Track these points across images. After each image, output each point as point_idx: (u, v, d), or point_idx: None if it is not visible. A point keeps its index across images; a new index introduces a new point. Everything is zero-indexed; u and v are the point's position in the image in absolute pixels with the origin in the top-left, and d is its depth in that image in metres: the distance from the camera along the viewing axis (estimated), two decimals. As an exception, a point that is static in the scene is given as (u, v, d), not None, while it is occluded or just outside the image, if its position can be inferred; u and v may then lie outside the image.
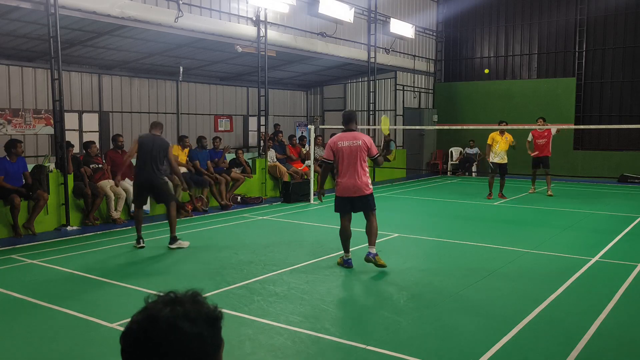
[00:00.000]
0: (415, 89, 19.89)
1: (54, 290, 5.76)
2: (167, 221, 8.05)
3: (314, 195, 7.43)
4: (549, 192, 13.52)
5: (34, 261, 6.94)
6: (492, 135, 12.80)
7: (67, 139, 9.61)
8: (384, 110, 19.07)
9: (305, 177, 13.02)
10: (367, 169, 6.65)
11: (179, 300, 1.32)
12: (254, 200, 12.25)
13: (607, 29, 17.76)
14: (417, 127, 18.46)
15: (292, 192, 12.41)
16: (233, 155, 13.11)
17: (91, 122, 14.09)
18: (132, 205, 9.00)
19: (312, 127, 13.11)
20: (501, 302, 5.42)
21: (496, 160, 12.66)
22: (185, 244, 7.77)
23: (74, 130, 13.52)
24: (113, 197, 9.62)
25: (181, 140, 11.73)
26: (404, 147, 19.30)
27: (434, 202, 12.85)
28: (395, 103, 18.91)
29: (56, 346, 4.39)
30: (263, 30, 12.93)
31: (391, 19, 17.46)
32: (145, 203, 8.19)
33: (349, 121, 6.72)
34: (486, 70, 18.81)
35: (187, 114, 16.35)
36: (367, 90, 17.46)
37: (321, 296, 5.56)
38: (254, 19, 12.94)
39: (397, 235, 8.66)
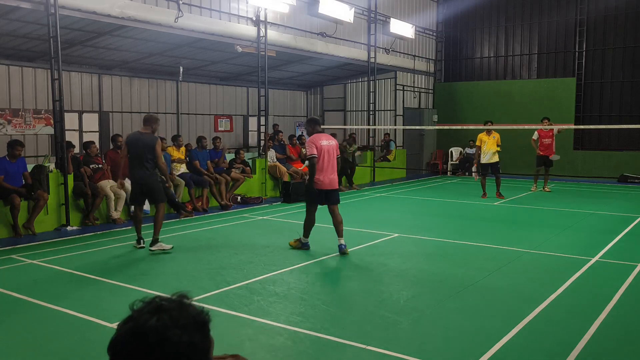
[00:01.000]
0: (415, 89, 19.89)
1: (54, 290, 5.76)
2: (164, 221, 8.04)
3: (309, 189, 7.79)
4: (546, 189, 13.67)
5: (34, 261, 6.94)
6: (479, 136, 12.83)
7: (67, 139, 9.61)
8: (384, 110, 19.08)
9: (306, 177, 13.02)
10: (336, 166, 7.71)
11: (164, 307, 1.28)
12: (254, 200, 12.25)
13: (607, 29, 17.75)
14: (417, 127, 18.47)
15: (292, 192, 12.41)
16: (232, 155, 13.10)
17: (91, 122, 14.10)
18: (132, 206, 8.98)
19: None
20: (501, 302, 5.42)
21: (484, 160, 12.65)
22: (167, 246, 7.54)
23: (74, 130, 13.53)
24: (113, 197, 9.62)
25: (175, 140, 11.71)
26: (404, 147, 19.31)
27: (434, 202, 12.85)
28: (395, 103, 18.91)
29: (56, 346, 4.39)
30: (263, 30, 12.93)
31: (391, 19, 17.46)
32: (143, 203, 8.11)
33: (315, 124, 7.82)
34: None
35: (187, 114, 16.35)
36: (367, 90, 17.46)
37: (321, 296, 5.56)
38: (254, 19, 12.94)
39: (397, 235, 8.66)
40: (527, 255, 7.33)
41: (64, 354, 4.27)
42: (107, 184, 9.72)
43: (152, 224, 7.42)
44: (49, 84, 10.04)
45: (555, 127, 13.83)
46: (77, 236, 8.62)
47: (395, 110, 18.93)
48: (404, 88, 19.24)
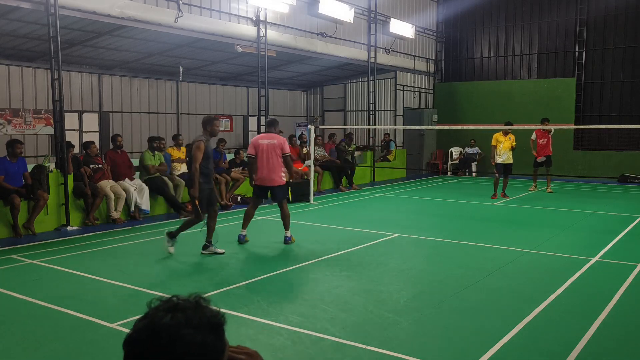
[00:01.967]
0: (415, 89, 19.89)
1: (54, 290, 5.76)
2: (164, 221, 8.03)
3: (251, 185, 8.05)
4: (549, 189, 13.70)
5: (34, 261, 6.94)
6: (495, 136, 12.83)
7: (67, 139, 9.61)
8: (384, 110, 19.08)
9: (305, 177, 13.02)
10: (281, 164, 7.86)
11: (180, 306, 1.29)
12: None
13: (607, 29, 17.75)
14: (417, 127, 18.47)
15: (292, 192, 12.39)
16: (232, 155, 13.10)
17: (91, 122, 14.10)
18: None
19: (312, 127, 13.11)
20: (501, 302, 5.42)
21: (500, 160, 12.68)
22: (220, 250, 7.39)
23: (74, 130, 13.53)
24: (113, 197, 9.62)
25: (175, 140, 11.68)
26: (404, 147, 19.31)
27: (434, 202, 12.85)
28: (395, 103, 18.91)
29: (56, 346, 4.39)
30: (263, 30, 12.93)
31: (391, 19, 17.46)
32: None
33: (269, 125, 8.09)
34: None
35: (187, 114, 16.35)
36: (367, 90, 17.46)
37: (321, 296, 5.56)
38: (254, 19, 12.94)
39: (397, 235, 8.66)
40: (527, 255, 7.33)
41: (64, 354, 4.27)
42: (107, 184, 9.72)
43: (152, 224, 7.42)
44: (49, 84, 10.04)
45: (551, 128, 13.84)
46: (77, 236, 8.62)
47: (395, 110, 18.93)
48: (404, 88, 19.24)
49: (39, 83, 12.88)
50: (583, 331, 4.54)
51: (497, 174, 12.90)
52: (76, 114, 13.72)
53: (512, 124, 13.08)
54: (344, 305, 5.30)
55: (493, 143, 12.82)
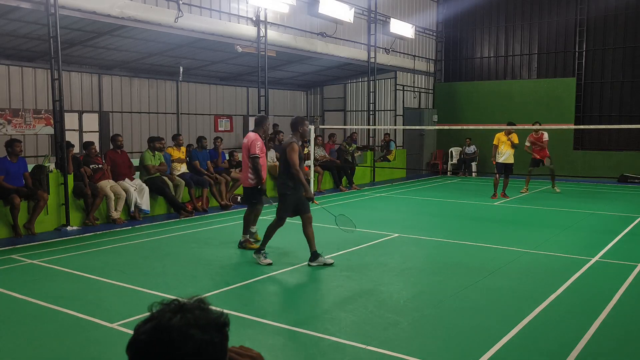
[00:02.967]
0: (415, 89, 19.89)
1: (54, 291, 5.76)
2: (164, 221, 8.03)
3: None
4: (556, 189, 13.62)
5: (34, 261, 6.94)
6: (497, 135, 12.86)
7: (67, 139, 9.60)
8: (384, 110, 19.08)
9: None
10: (249, 164, 7.58)
11: (186, 307, 1.31)
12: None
13: (607, 29, 17.75)
14: (417, 127, 18.47)
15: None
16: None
17: (91, 122, 14.10)
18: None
19: (312, 127, 13.10)
20: (501, 302, 5.42)
21: (501, 160, 12.68)
22: (329, 260, 6.78)
23: (74, 130, 13.52)
24: (113, 197, 9.62)
25: (175, 140, 11.68)
26: (404, 147, 19.31)
27: (434, 202, 12.84)
28: (395, 103, 18.91)
29: (56, 346, 4.39)
30: (263, 30, 12.93)
31: (391, 19, 17.46)
32: (292, 215, 7.17)
33: (255, 124, 8.03)
34: None
35: (187, 114, 16.35)
36: (367, 90, 17.46)
37: (321, 296, 5.56)
38: (254, 19, 12.94)
39: (397, 235, 8.66)
40: (527, 255, 7.33)
41: (65, 354, 4.27)
42: (107, 184, 9.72)
43: (152, 223, 7.42)
44: (49, 84, 10.04)
45: (545, 135, 13.75)
46: (77, 236, 8.62)
47: (395, 110, 18.93)
48: (404, 88, 19.25)
49: (39, 83, 12.88)
50: (583, 331, 4.54)
51: (497, 174, 12.90)
52: (76, 114, 13.72)
53: (514, 124, 13.06)
54: (344, 305, 5.30)
55: (495, 142, 12.84)
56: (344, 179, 14.96)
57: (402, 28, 17.77)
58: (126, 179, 10.14)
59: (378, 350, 4.18)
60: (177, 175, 11.07)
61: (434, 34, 20.56)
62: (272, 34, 13.28)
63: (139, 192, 9.99)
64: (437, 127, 19.58)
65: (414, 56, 19.41)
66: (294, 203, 6.82)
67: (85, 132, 13.87)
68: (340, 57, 15.79)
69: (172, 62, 14.36)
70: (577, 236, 8.82)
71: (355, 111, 19.77)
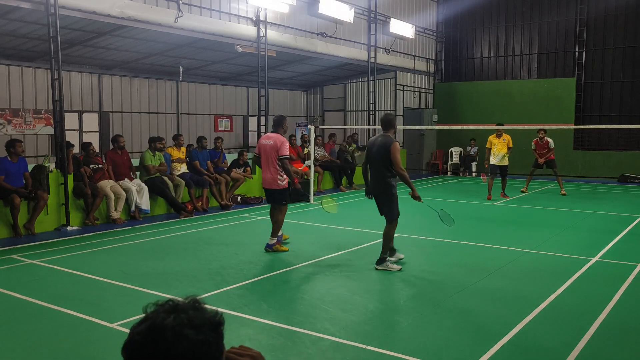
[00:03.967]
0: (415, 89, 19.89)
1: (54, 290, 5.76)
2: (164, 221, 8.03)
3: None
4: (563, 192, 13.56)
5: (34, 261, 6.94)
6: (489, 138, 12.87)
7: (67, 139, 9.61)
8: (384, 110, 19.07)
9: (306, 177, 13.02)
10: (277, 167, 7.47)
11: (180, 308, 1.31)
12: (254, 200, 12.25)
13: (607, 29, 17.76)
14: (417, 127, 18.47)
15: (292, 192, 12.38)
16: (235, 156, 13.10)
17: (91, 122, 14.09)
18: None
19: (312, 127, 13.11)
20: (501, 302, 5.42)
21: (495, 162, 12.67)
22: (396, 267, 6.59)
23: (74, 130, 13.52)
24: (113, 197, 9.62)
25: (175, 140, 11.68)
26: (404, 147, 19.29)
27: (434, 202, 12.81)
28: (395, 103, 18.91)
29: (56, 346, 4.39)
30: (263, 30, 12.93)
31: (391, 19, 17.46)
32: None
33: (274, 124, 7.73)
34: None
35: (187, 114, 16.35)
36: (367, 90, 17.46)
37: (321, 296, 5.56)
38: (254, 19, 12.94)
39: (397, 235, 8.63)
40: (527, 255, 7.33)
41: (65, 354, 4.27)
42: (107, 184, 9.72)
43: (152, 223, 7.42)
44: (49, 84, 10.04)
45: (551, 141, 13.70)
46: (77, 236, 8.62)
47: (395, 110, 18.92)
48: (404, 88, 19.24)
49: (39, 83, 12.87)
50: (583, 331, 4.54)
51: (490, 175, 12.87)
52: (76, 114, 13.71)
53: (502, 125, 13.03)
54: (344, 305, 5.30)
55: (487, 145, 12.84)
56: (344, 179, 14.96)
57: (402, 28, 17.77)
58: (125, 179, 10.14)
59: (378, 350, 4.18)
60: (177, 175, 11.07)
61: (434, 34, 20.56)
62: (272, 34, 13.28)
63: (138, 192, 10.00)
64: (437, 127, 19.59)
65: (414, 56, 19.41)
66: (398, 203, 6.66)
67: (85, 132, 13.87)
68: (340, 57, 15.79)
69: (172, 62, 14.36)
70: (577, 236, 8.81)
71: (355, 111, 19.77)
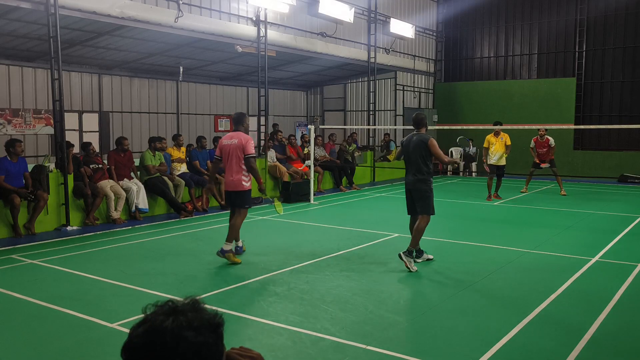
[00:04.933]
0: (415, 89, 19.89)
1: (54, 290, 5.76)
2: (164, 221, 8.00)
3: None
4: (562, 192, 13.52)
5: (34, 261, 6.94)
6: (487, 137, 12.79)
7: (67, 139, 9.61)
8: (384, 110, 19.06)
9: (305, 177, 13.03)
10: (242, 167, 6.96)
11: (179, 309, 1.30)
12: (254, 200, 12.24)
13: (607, 29, 17.76)
14: (417, 127, 18.43)
15: (292, 192, 12.41)
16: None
17: (91, 122, 14.10)
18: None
19: (312, 127, 13.11)
20: (501, 302, 5.42)
21: (492, 161, 12.62)
22: (413, 268, 6.53)
23: (74, 130, 13.53)
24: (113, 197, 9.62)
25: (175, 140, 11.68)
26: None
27: (434, 202, 12.81)
28: (395, 103, 18.92)
29: (56, 346, 4.39)
30: (263, 30, 12.93)
31: (391, 19, 17.46)
32: (414, 213, 7.03)
33: (235, 122, 7.19)
34: None
35: (187, 114, 16.36)
36: (367, 90, 17.46)
37: (321, 296, 5.56)
38: (254, 19, 12.94)
39: (397, 235, 8.66)
40: (527, 255, 7.33)
41: (65, 354, 4.27)
42: (107, 184, 9.71)
43: (152, 223, 7.41)
44: (49, 84, 10.04)
45: (552, 140, 13.66)
46: (77, 236, 8.62)
47: (395, 110, 18.93)
48: (404, 88, 19.25)
49: (39, 83, 12.88)
50: (583, 331, 4.54)
51: (489, 175, 12.80)
52: (76, 114, 13.72)
53: (501, 124, 12.96)
54: (344, 305, 5.30)
55: (485, 145, 12.78)
56: (344, 179, 14.96)
57: (402, 28, 17.77)
58: (124, 179, 10.13)
59: (378, 350, 4.18)
60: (177, 175, 11.07)
61: (434, 34, 20.56)
62: (272, 34, 13.28)
63: (136, 192, 9.99)
64: (437, 127, 19.56)
65: (414, 56, 19.41)
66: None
67: (85, 132, 13.87)
68: (340, 57, 15.79)
69: (172, 62, 14.36)
70: (577, 236, 8.81)
71: (355, 111, 19.77)
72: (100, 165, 9.95)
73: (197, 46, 13.09)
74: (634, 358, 4.19)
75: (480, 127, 16.65)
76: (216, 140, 12.56)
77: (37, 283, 6.04)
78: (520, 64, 19.37)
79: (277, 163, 13.36)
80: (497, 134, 12.64)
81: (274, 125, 17.02)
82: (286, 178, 12.98)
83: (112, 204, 9.61)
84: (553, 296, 5.50)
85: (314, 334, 4.52)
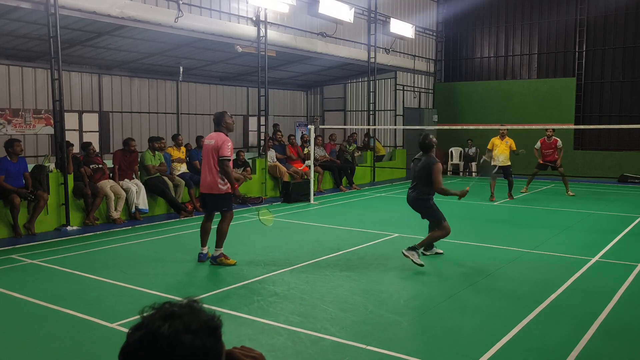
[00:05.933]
0: (415, 89, 19.89)
1: (54, 291, 5.76)
2: (164, 221, 7.98)
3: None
4: (569, 192, 13.46)
5: (34, 261, 6.94)
6: (492, 139, 12.85)
7: (67, 139, 9.60)
8: (384, 110, 19.06)
9: (305, 177, 13.02)
10: (216, 169, 6.68)
11: (176, 313, 1.28)
12: (254, 200, 12.25)
13: (607, 29, 17.76)
14: (417, 127, 18.45)
15: (292, 192, 12.41)
16: (234, 156, 13.11)
17: (91, 122, 14.10)
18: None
19: (312, 127, 13.11)
20: (501, 302, 5.42)
21: (497, 163, 12.65)
22: (418, 261, 6.65)
23: (74, 130, 13.53)
24: (113, 197, 9.62)
25: (175, 140, 11.67)
26: (404, 147, 19.31)
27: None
28: (395, 103, 18.91)
29: (56, 346, 4.39)
30: (263, 30, 12.93)
31: (391, 19, 17.46)
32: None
33: (215, 123, 6.93)
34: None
35: (187, 114, 16.36)
36: (367, 90, 17.46)
37: (321, 296, 5.56)
38: (254, 19, 12.94)
39: (397, 235, 8.66)
40: (527, 255, 7.32)
41: (65, 354, 4.27)
42: (107, 184, 9.71)
43: (152, 223, 7.40)
44: (49, 84, 10.04)
45: (559, 141, 13.62)
46: (77, 236, 8.61)
47: (395, 110, 18.93)
48: (404, 88, 19.24)
49: (39, 83, 12.88)
50: (583, 331, 4.54)
51: (492, 176, 12.80)
52: (76, 114, 13.72)
53: (504, 125, 12.99)
54: (344, 305, 5.30)
55: (489, 147, 12.82)
56: (344, 179, 14.96)
57: (402, 28, 17.77)
58: (125, 179, 10.14)
59: (378, 350, 4.18)
60: (177, 175, 11.07)
61: (434, 34, 20.56)
62: (272, 34, 13.28)
63: (136, 192, 9.99)
64: (437, 127, 19.57)
65: (414, 56, 19.40)
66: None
67: (85, 132, 13.87)
68: (340, 57, 15.79)
69: (172, 62, 14.36)
70: (577, 236, 8.81)
71: (355, 111, 19.77)
72: (100, 165, 9.95)
73: (197, 46, 13.09)
74: (634, 358, 4.18)
75: (481, 127, 16.67)
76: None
77: (37, 283, 6.04)
78: (520, 64, 19.37)
79: (277, 163, 13.36)
80: (502, 136, 12.67)
81: (275, 125, 17.02)
82: (286, 178, 12.98)
83: (112, 204, 9.61)
84: (553, 296, 5.50)
85: (314, 334, 4.52)
